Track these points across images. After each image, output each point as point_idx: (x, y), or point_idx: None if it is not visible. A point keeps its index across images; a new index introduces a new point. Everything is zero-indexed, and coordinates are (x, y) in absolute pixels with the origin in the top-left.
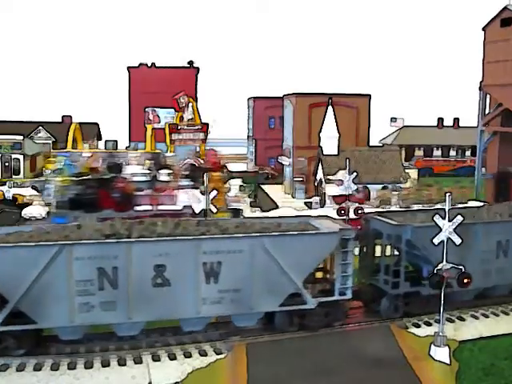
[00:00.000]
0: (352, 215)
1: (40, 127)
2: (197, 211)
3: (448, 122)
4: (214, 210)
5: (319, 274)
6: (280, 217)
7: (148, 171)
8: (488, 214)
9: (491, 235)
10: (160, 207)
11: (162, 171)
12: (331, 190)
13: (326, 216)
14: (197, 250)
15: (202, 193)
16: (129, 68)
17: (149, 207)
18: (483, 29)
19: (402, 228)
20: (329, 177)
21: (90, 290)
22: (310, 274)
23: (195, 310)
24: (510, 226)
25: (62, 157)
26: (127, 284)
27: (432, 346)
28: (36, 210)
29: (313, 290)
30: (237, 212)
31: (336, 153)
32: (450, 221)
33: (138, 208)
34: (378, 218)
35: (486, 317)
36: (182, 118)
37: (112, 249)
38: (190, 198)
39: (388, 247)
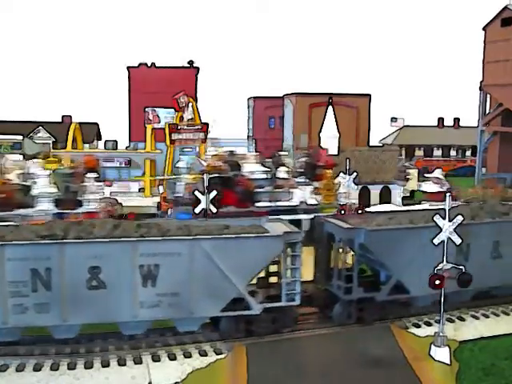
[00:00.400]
0: None
1: (40, 127)
2: (197, 211)
3: (448, 121)
4: (214, 210)
5: (274, 279)
6: (237, 218)
7: (267, 169)
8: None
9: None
10: (278, 203)
11: (280, 169)
12: (428, 187)
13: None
14: (133, 253)
15: (202, 192)
16: (128, 68)
17: (268, 203)
18: (483, 28)
19: (355, 231)
20: (425, 175)
21: (23, 291)
22: (263, 278)
23: (132, 313)
24: (468, 229)
25: (191, 156)
26: (61, 286)
27: (432, 346)
28: None
29: (262, 295)
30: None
31: (336, 153)
32: (450, 221)
33: (257, 204)
34: (331, 220)
35: (487, 317)
36: (181, 118)
37: (45, 250)
38: (304, 194)
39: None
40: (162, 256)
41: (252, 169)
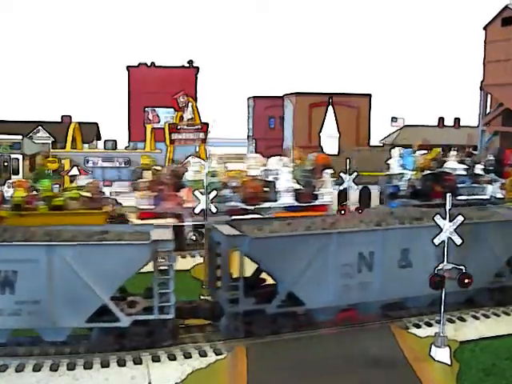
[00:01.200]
0: None
1: (39, 127)
2: (196, 211)
3: (449, 121)
4: (214, 210)
5: None
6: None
7: (467, 166)
8: (352, 221)
9: (351, 246)
10: (474, 197)
11: (477, 166)
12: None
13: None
14: None
15: (202, 192)
16: (128, 67)
17: (466, 197)
18: (484, 28)
19: (238, 239)
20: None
21: None
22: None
23: None
24: (373, 235)
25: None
26: None
27: (433, 346)
28: None
29: (140, 306)
30: None
31: (336, 153)
32: (450, 221)
33: (458, 198)
34: (217, 227)
35: (487, 317)
36: (181, 118)
37: None
38: (494, 189)
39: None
40: (20, 262)
41: (454, 166)
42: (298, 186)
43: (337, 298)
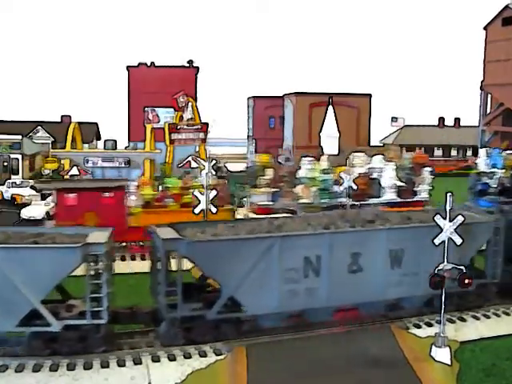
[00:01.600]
0: None
1: (39, 127)
2: (196, 211)
3: (449, 121)
4: (214, 210)
5: None
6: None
7: None
8: (300, 224)
9: (296, 250)
10: None
11: None
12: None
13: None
14: None
15: (202, 193)
16: (128, 67)
17: None
18: (484, 28)
19: (175, 243)
20: None
21: None
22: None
23: None
24: (320, 239)
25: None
26: None
27: (433, 346)
28: (35, 211)
29: (77, 310)
30: None
31: (336, 153)
32: (450, 221)
33: None
34: (155, 230)
35: (488, 317)
36: (181, 118)
37: None
38: None
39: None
40: None
41: None
42: (399, 183)
43: (282, 304)
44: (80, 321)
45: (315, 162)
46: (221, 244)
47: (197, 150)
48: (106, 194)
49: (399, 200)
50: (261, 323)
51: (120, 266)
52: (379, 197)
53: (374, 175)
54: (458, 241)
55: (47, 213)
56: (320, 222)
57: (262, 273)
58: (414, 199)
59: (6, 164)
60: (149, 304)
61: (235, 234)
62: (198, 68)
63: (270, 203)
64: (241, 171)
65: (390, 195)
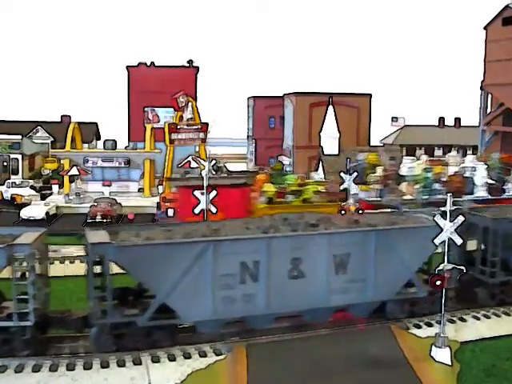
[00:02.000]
0: None
1: (39, 127)
2: (196, 211)
3: (449, 121)
4: (214, 210)
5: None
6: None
7: None
8: (239, 228)
9: (232, 255)
10: None
11: None
12: None
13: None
14: None
15: (202, 193)
16: (128, 67)
17: None
18: (485, 28)
19: (102, 247)
20: None
21: None
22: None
23: None
24: (257, 244)
25: None
26: None
27: (433, 346)
28: (35, 211)
29: (6, 311)
30: None
31: (336, 152)
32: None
33: None
34: (86, 233)
35: (488, 317)
36: (181, 118)
37: None
38: None
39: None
40: None
41: None
42: (490, 181)
43: (218, 310)
44: (6, 322)
45: (416, 162)
46: (150, 248)
47: (197, 149)
48: (233, 190)
49: (490, 197)
50: (198, 329)
51: None
52: (472, 194)
53: (467, 174)
54: (459, 241)
55: (47, 213)
56: (260, 225)
57: (196, 278)
58: (503, 196)
59: (5, 164)
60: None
61: (169, 238)
62: (197, 68)
63: (377, 199)
64: (241, 171)
65: (481, 193)
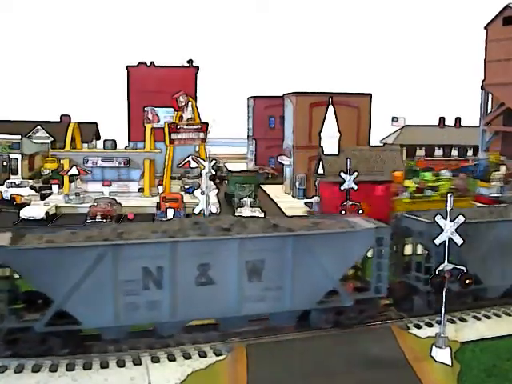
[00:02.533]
0: None
1: (38, 127)
2: (196, 211)
3: (449, 121)
4: (214, 210)
5: None
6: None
7: None
8: (145, 232)
9: (133, 260)
10: None
11: None
12: None
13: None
14: None
15: (202, 193)
16: (128, 67)
17: None
18: (485, 27)
19: (12, 252)
20: None
21: None
22: None
23: None
24: (160, 249)
25: None
26: None
27: (433, 347)
28: (35, 211)
29: None
30: None
31: (337, 152)
32: (451, 221)
33: None
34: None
35: (488, 318)
36: (181, 118)
37: None
38: None
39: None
40: None
41: None
42: None
43: (120, 317)
44: None
45: None
46: (43, 252)
47: (197, 149)
48: (378, 187)
49: None
50: (103, 336)
51: None
52: None
53: None
54: (459, 241)
55: (47, 213)
56: (168, 229)
57: (96, 284)
58: None
59: (5, 164)
60: None
61: (69, 242)
62: (197, 68)
63: (497, 195)
64: (241, 171)
65: None
